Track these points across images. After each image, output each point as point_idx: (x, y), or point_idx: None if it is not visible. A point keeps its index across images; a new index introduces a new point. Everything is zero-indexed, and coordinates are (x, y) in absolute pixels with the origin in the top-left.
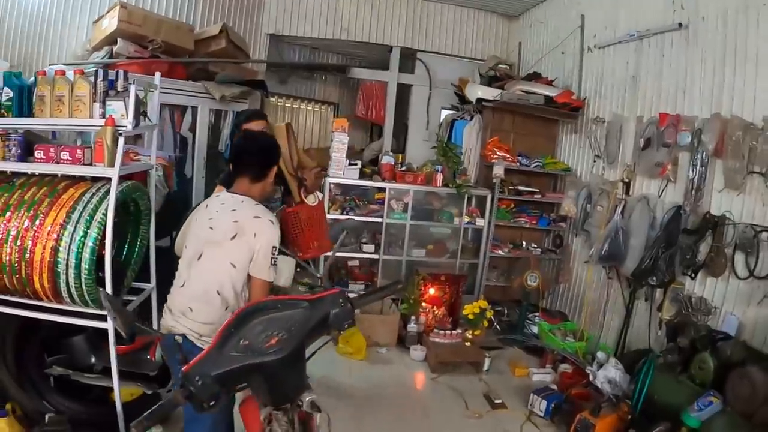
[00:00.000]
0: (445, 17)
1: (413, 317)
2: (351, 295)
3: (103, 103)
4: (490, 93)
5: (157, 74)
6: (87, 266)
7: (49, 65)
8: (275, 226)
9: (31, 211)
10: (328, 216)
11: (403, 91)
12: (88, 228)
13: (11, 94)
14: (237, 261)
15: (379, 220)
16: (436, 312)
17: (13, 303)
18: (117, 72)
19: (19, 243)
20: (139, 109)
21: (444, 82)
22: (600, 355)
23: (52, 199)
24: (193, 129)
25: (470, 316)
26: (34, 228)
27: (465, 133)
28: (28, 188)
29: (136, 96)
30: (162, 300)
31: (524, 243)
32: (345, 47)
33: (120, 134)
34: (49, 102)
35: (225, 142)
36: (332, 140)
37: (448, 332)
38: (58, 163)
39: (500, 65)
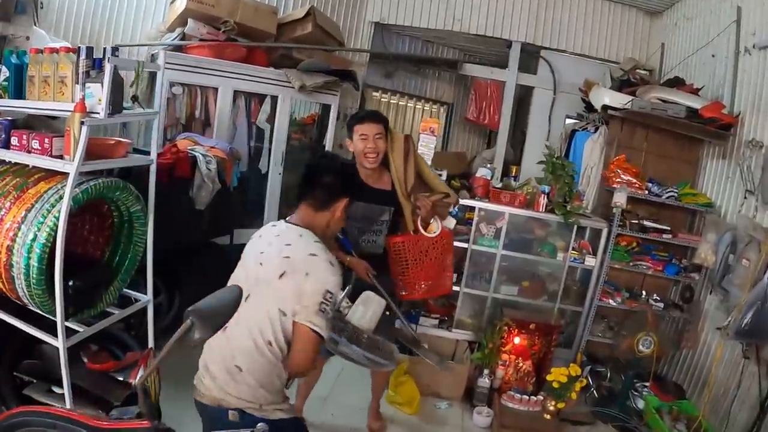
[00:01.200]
0: (575, 10)
1: (487, 370)
2: None
3: (84, 85)
4: (618, 99)
5: (161, 53)
6: (35, 274)
7: (117, 46)
8: (334, 268)
9: None
10: None
11: (523, 93)
12: (38, 230)
13: (8, 74)
14: (287, 308)
15: (465, 245)
16: (520, 366)
17: None
18: (104, 49)
19: None
20: (120, 94)
21: (572, 86)
22: None
23: (18, 192)
24: (271, 120)
25: (554, 384)
26: None
27: (586, 148)
28: (3, 178)
29: (116, 78)
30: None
31: (644, 293)
32: (459, 41)
33: (83, 123)
34: (37, 83)
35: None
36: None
37: (525, 397)
38: (29, 152)
39: (638, 69)
